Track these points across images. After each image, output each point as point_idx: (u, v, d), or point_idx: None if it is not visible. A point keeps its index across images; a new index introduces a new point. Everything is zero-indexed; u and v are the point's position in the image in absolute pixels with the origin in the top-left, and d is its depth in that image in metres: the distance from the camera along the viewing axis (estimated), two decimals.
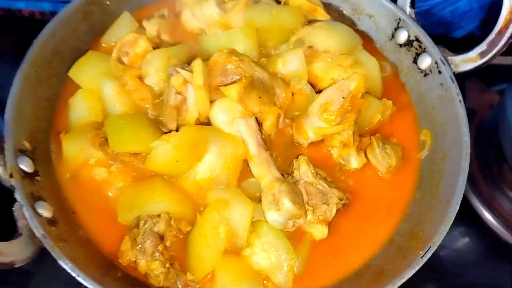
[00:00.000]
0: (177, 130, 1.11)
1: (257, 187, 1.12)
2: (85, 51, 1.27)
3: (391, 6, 1.34)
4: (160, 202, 1.07)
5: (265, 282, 1.07)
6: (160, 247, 1.04)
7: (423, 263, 1.03)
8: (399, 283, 1.01)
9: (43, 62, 1.19)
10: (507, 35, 1.17)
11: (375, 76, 1.30)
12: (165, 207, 1.07)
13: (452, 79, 1.23)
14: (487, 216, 1.41)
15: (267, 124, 1.13)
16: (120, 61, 1.23)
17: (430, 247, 1.04)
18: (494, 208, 1.41)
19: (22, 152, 1.08)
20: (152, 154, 1.07)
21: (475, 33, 1.77)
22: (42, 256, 1.01)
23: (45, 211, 1.04)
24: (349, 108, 1.15)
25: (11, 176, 1.02)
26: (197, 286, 1.05)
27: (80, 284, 0.96)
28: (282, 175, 1.13)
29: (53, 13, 1.61)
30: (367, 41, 1.39)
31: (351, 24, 1.43)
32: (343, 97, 1.15)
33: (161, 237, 1.05)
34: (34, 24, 1.65)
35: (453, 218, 1.07)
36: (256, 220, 1.10)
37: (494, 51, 1.21)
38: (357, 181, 1.21)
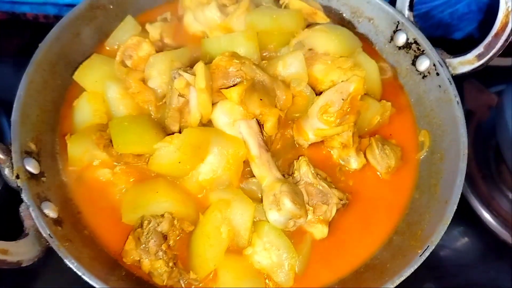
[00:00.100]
0: (179, 132, 1.11)
1: (258, 187, 1.13)
2: (89, 54, 1.27)
3: (390, 9, 1.35)
4: (164, 203, 1.08)
5: (266, 281, 1.08)
6: (163, 247, 1.04)
7: (421, 262, 1.03)
8: (398, 281, 1.01)
9: (48, 66, 1.20)
10: (503, 37, 1.18)
11: (374, 78, 1.30)
12: (168, 207, 1.07)
13: (450, 81, 1.23)
14: (486, 216, 1.41)
15: (268, 126, 1.13)
16: (123, 64, 1.24)
17: (429, 246, 1.05)
18: (493, 208, 1.41)
19: (28, 153, 1.09)
20: (156, 155, 1.07)
21: (474, 34, 1.77)
22: (48, 255, 1.02)
23: (51, 212, 1.05)
24: (348, 110, 1.16)
25: (17, 177, 1.03)
26: (200, 285, 1.06)
27: (85, 283, 0.97)
28: (283, 175, 1.13)
29: (57, 17, 1.63)
30: (367, 44, 1.40)
31: (350, 27, 1.43)
32: (343, 99, 1.15)
33: (165, 237, 1.06)
34: (38, 27, 1.67)
35: (451, 217, 1.07)
36: (258, 220, 1.10)
37: (491, 53, 1.22)
38: (357, 182, 1.22)
